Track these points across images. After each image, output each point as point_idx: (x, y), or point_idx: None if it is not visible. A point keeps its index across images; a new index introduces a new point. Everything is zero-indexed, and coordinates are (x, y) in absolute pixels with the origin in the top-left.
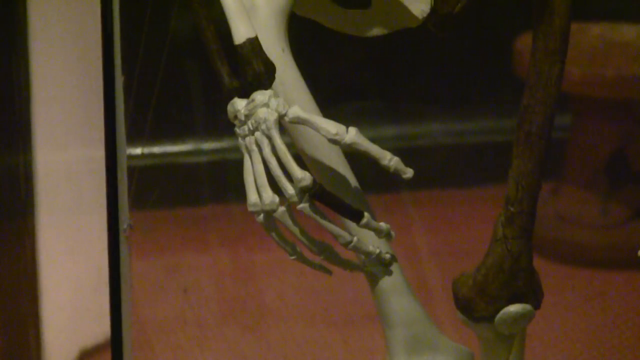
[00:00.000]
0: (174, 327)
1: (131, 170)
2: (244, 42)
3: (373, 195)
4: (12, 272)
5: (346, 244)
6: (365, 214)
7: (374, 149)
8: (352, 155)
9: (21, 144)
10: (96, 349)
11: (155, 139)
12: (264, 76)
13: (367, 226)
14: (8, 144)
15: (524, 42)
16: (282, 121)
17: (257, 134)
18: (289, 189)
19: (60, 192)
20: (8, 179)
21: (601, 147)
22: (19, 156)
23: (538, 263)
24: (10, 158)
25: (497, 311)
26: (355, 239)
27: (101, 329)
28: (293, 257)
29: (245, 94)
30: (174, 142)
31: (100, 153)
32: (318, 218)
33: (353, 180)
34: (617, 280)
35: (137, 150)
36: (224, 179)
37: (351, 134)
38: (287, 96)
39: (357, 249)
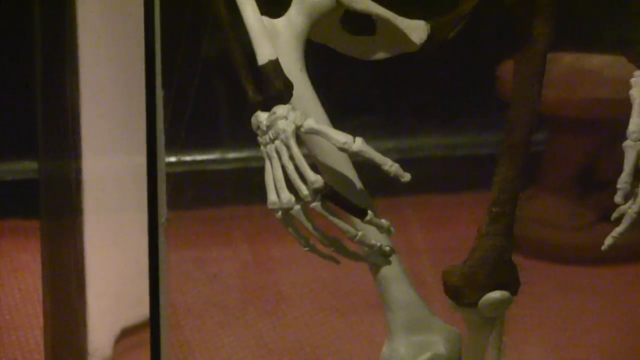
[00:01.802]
0: (202, 310)
1: (168, 175)
2: (267, 63)
3: (376, 197)
4: (63, 263)
5: (352, 238)
6: (369, 211)
7: (377, 156)
8: (359, 161)
9: (72, 151)
10: (136, 329)
11: (189, 148)
12: (284, 92)
13: (370, 222)
14: (61, 151)
15: (505, 68)
16: (298, 132)
17: (277, 142)
18: (304, 190)
19: (106, 193)
20: (60, 182)
21: (572, 159)
22: (70, 162)
23: (517, 258)
24: (63, 164)
25: (481, 297)
26: (360, 233)
27: (141, 311)
28: (306, 249)
29: (267, 107)
30: (204, 151)
31: (141, 159)
32: (328, 215)
33: (359, 183)
34: (584, 275)
35: (173, 158)
36: (247, 184)
37: (358, 143)
38: (303, 110)
39: (361, 242)
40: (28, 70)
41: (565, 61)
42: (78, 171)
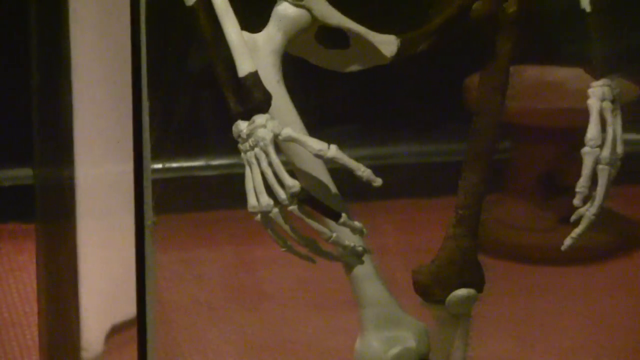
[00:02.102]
0: (189, 307)
1: (155, 181)
2: (247, 75)
3: (350, 201)
4: (57, 264)
5: (327, 239)
6: (343, 214)
7: (351, 162)
8: (333, 167)
9: (66, 159)
10: (125, 325)
11: (174, 156)
12: (263, 103)
13: (344, 224)
14: (55, 159)
15: (471, 81)
16: (276, 140)
17: (256, 149)
18: (282, 194)
19: (97, 199)
20: (54, 188)
21: (534, 165)
22: (63, 169)
23: (482, 258)
24: (57, 171)
25: (448, 295)
26: (334, 234)
27: (129, 309)
28: (284, 249)
29: (247, 117)
30: (189, 159)
31: (130, 166)
32: (305, 218)
33: (333, 188)
34: (546, 274)
35: (160, 165)
36: (230, 189)
37: (332, 150)
38: (281, 119)
39: (336, 243)
40: (24, 84)
41: (528, 74)
42: (71, 178)
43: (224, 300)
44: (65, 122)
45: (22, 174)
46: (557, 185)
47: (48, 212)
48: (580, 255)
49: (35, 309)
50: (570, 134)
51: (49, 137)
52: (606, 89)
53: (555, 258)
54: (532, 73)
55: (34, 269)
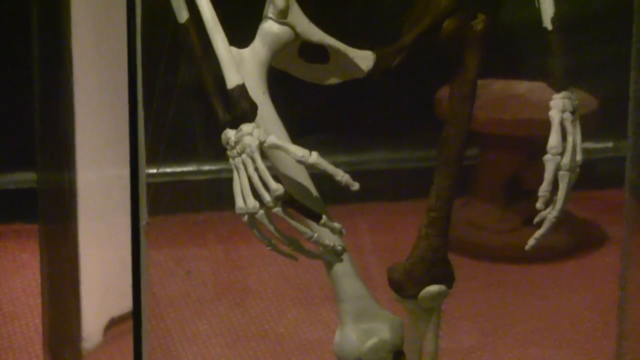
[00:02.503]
0: (180, 301)
1: (149, 185)
2: (234, 87)
3: (329, 204)
4: (59, 261)
5: (309, 238)
6: (323, 216)
7: (330, 168)
8: (315, 172)
9: (67, 164)
10: (122, 318)
11: (167, 161)
12: (249, 112)
13: (324, 225)
14: (56, 164)
15: (442, 92)
16: (262, 147)
17: (243, 156)
18: (267, 197)
19: (96, 200)
20: (56, 190)
21: (500, 171)
22: (65, 173)
23: (452, 257)
24: (58, 175)
25: (420, 290)
26: (315, 234)
27: (125, 303)
28: (269, 248)
29: (235, 125)
30: (181, 164)
31: (126, 171)
32: (288, 219)
33: (315, 191)
34: (510, 272)
35: (154, 170)
36: (218, 192)
37: (313, 157)
38: (266, 128)
39: (317, 242)
40: (27, 92)
41: (494, 87)
42: (72, 181)
43: (212, 294)
44: (67, 129)
45: (26, 178)
46: (521, 189)
47: (50, 213)
48: (542, 255)
49: (39, 303)
50: (533, 143)
51: (51, 143)
52: (566, 101)
53: (519, 257)
54: (498, 86)
55: (37, 266)
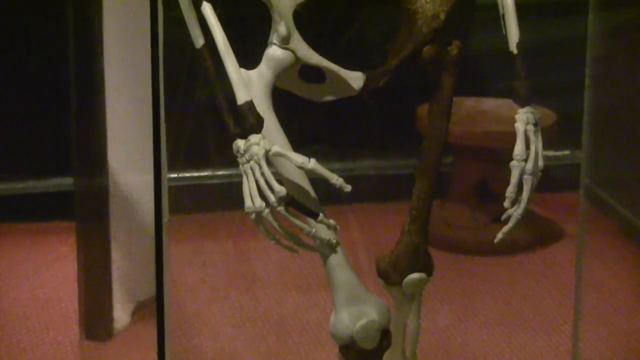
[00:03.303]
0: (196, 288)
1: (170, 188)
2: (243, 104)
3: (325, 204)
4: (93, 253)
5: (307, 234)
6: (320, 214)
7: (326, 172)
8: (313, 177)
9: (99, 169)
10: (146, 302)
11: (185, 168)
12: (256, 125)
13: (321, 222)
14: (91, 170)
15: (422, 109)
16: (267, 155)
17: (251, 162)
18: (271, 198)
19: (124, 201)
20: (90, 193)
21: (472, 176)
22: (98, 178)
23: (431, 250)
24: (92, 179)
25: (404, 278)
26: (313, 230)
27: (150, 289)
28: (273, 242)
29: (244, 136)
30: (198, 170)
31: (150, 176)
32: (289, 217)
33: (313, 193)
34: (481, 262)
35: (174, 174)
36: (231, 194)
37: (312, 163)
38: (271, 138)
39: (314, 237)
40: (65, 108)
41: (466, 103)
42: (104, 185)
43: (225, 282)
44: (100, 140)
45: (64, 182)
46: (490, 192)
47: (85, 212)
48: (508, 248)
49: (76, 289)
50: (501, 151)
51: (85, 153)
52: (529, 115)
53: (489, 250)
54: (469, 103)
55: (74, 258)
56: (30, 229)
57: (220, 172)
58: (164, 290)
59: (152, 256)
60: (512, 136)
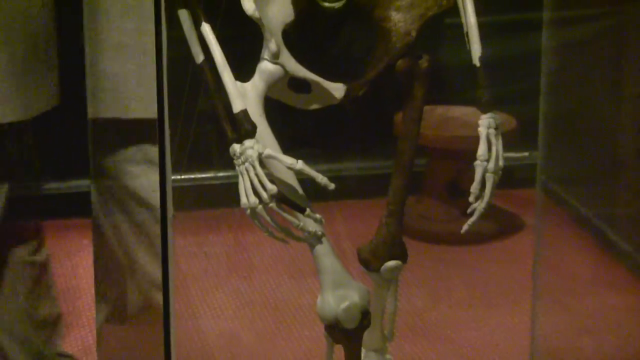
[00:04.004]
0: (199, 275)
1: (174, 187)
2: (239, 112)
3: (312, 200)
4: (107, 246)
5: (296, 226)
6: (307, 209)
7: (312, 172)
8: (301, 176)
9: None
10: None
11: (189, 170)
12: (250, 131)
13: (308, 216)
14: (105, 173)
15: (398, 115)
16: (260, 157)
17: (246, 164)
18: (264, 195)
19: (137, 200)
20: (105, 193)
21: (442, 175)
22: (111, 180)
23: (406, 240)
24: (106, 182)
25: (382, 265)
26: (301, 223)
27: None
28: (266, 234)
29: (240, 141)
30: (201, 172)
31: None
32: (280, 212)
33: (301, 190)
34: (451, 251)
35: (178, 176)
36: (230, 193)
37: (300, 164)
38: (264, 143)
39: (302, 229)
40: (83, 118)
41: (436, 111)
42: (116, 185)
43: (225, 271)
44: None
45: (83, 184)
46: (458, 188)
47: (101, 211)
48: (474, 238)
49: (92, 278)
50: (468, 153)
51: (100, 157)
52: (491, 120)
53: (457, 240)
54: (439, 110)
55: (91, 250)
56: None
57: (220, 174)
58: (170, 278)
59: (158, 248)
60: (477, 139)
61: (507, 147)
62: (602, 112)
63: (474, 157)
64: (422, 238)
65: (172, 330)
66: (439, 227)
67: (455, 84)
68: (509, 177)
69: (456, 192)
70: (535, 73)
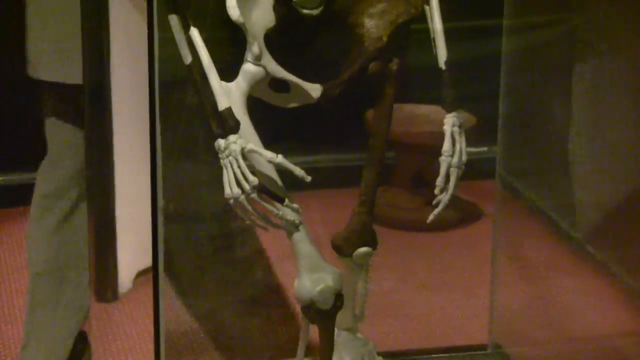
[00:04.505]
0: (189, 257)
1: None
2: (224, 110)
3: (290, 191)
4: (102, 230)
5: (276, 215)
6: (286, 199)
7: (291, 166)
8: (280, 169)
9: (106, 165)
10: (146, 271)
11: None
12: (234, 128)
13: (286, 206)
14: (101, 166)
15: (369, 113)
16: (243, 151)
17: (230, 157)
18: (246, 186)
19: (131, 191)
20: (100, 185)
21: (410, 168)
22: (106, 171)
23: (376, 227)
24: (101, 173)
25: (354, 251)
26: (280, 212)
27: (148, 260)
28: (248, 222)
29: (224, 136)
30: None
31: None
32: (261, 201)
33: (280, 182)
34: (417, 237)
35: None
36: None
37: (279, 158)
38: (246, 138)
39: (281, 217)
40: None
41: (405, 109)
42: (111, 177)
43: (211, 252)
44: (107, 137)
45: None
46: (424, 180)
47: (96, 200)
48: (438, 226)
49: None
50: (433, 147)
51: (96, 151)
52: (455, 118)
53: (423, 228)
54: (407, 108)
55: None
56: None
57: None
58: (159, 260)
59: (149, 233)
60: (441, 135)
61: (469, 142)
62: (554, 112)
63: (438, 151)
64: (390, 225)
65: (160, 309)
66: (405, 215)
67: (422, 84)
68: (470, 170)
69: (421, 183)
70: (495, 75)
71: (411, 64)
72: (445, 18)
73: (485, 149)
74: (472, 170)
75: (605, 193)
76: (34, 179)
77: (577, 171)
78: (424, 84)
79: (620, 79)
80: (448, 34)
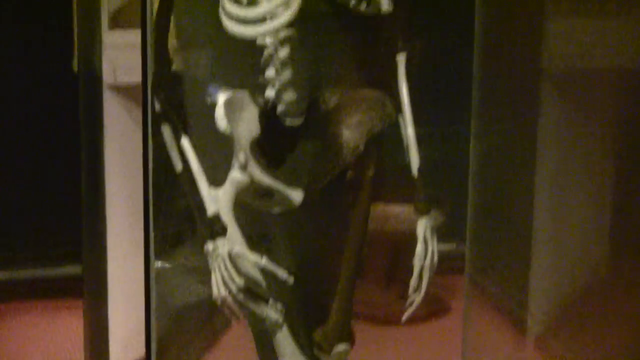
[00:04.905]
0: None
1: None
2: (212, 215)
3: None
4: (95, 323)
5: (260, 314)
6: (270, 299)
7: (274, 268)
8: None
9: (99, 258)
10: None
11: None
12: (221, 232)
13: (271, 306)
14: (93, 258)
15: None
16: (230, 254)
17: (218, 259)
18: (233, 287)
19: (121, 282)
20: (93, 278)
21: (384, 265)
22: (99, 264)
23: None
24: (95, 268)
25: (333, 348)
26: (264, 312)
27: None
28: (234, 320)
29: (212, 239)
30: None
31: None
32: (246, 302)
33: (264, 283)
34: (392, 331)
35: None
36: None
37: (264, 260)
38: (232, 240)
39: (266, 317)
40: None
41: (378, 207)
42: (104, 272)
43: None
44: (101, 230)
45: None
46: (394, 276)
47: (90, 293)
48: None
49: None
50: (406, 249)
51: (91, 245)
52: (427, 223)
53: (395, 320)
54: (380, 207)
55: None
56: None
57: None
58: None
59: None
60: (412, 234)
61: (438, 235)
62: (520, 211)
63: (409, 249)
64: (365, 320)
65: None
66: (378, 311)
67: (395, 188)
68: (439, 266)
69: (393, 278)
70: (463, 176)
71: (386, 168)
72: (416, 123)
73: (454, 245)
74: (441, 265)
75: (559, 294)
76: None
77: (536, 265)
78: (398, 188)
79: (581, 177)
80: (419, 138)
